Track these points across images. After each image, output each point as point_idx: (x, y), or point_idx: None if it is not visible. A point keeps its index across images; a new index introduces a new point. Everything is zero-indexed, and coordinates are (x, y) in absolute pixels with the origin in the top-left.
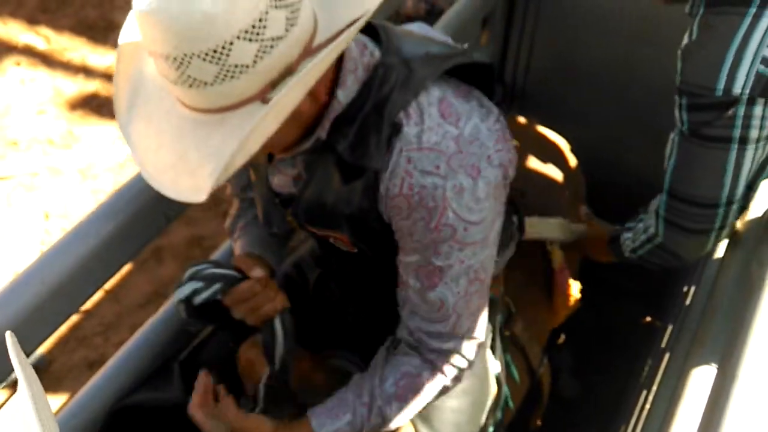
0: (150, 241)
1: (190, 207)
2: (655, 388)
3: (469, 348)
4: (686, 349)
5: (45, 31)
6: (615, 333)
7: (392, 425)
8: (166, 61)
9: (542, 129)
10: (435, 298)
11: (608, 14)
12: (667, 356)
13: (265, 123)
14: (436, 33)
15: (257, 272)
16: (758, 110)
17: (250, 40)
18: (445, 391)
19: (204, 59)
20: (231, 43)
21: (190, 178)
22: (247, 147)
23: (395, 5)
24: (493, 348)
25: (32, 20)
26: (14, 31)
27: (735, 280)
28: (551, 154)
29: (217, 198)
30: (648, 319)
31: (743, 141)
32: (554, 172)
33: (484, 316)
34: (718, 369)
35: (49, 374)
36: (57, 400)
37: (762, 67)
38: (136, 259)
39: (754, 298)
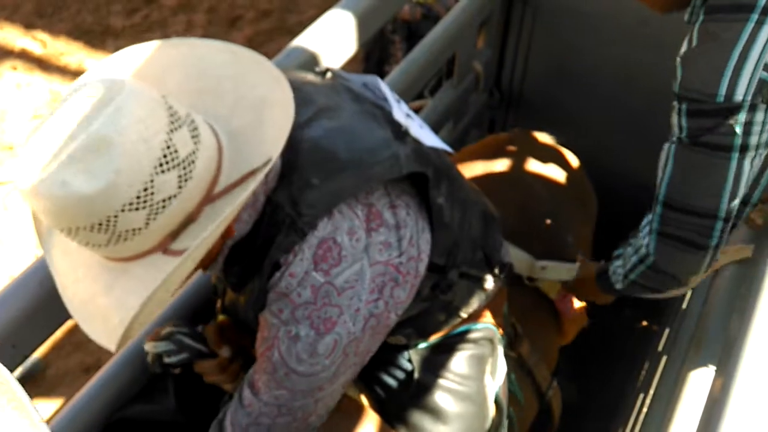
0: None
1: None
2: (652, 391)
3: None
4: (683, 352)
5: (41, 35)
6: (611, 337)
7: None
8: (90, 230)
9: (543, 139)
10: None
11: (605, 20)
12: (664, 359)
13: (173, 276)
14: (387, 98)
15: (224, 352)
16: (759, 116)
17: (137, 208)
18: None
19: (91, 230)
20: (116, 216)
21: (102, 323)
22: (155, 299)
23: (393, 11)
24: (492, 371)
25: (29, 25)
26: (11, 35)
27: (731, 283)
28: (558, 164)
29: None
30: (644, 323)
31: (744, 148)
32: (571, 203)
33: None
34: (715, 371)
35: (44, 379)
36: (52, 405)
37: (764, 74)
38: None
39: (750, 300)
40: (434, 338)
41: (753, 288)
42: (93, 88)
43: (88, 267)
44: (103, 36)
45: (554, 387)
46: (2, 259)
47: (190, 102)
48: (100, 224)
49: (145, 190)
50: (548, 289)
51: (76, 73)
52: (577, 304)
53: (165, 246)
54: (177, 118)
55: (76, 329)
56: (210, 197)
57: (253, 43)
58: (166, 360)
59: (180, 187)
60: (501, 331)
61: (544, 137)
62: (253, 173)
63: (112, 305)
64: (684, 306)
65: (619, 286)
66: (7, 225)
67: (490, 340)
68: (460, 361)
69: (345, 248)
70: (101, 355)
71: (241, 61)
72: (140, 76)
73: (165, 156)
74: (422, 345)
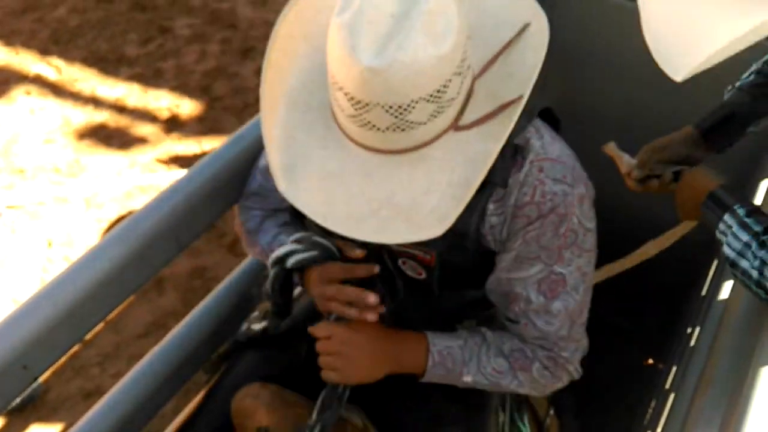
0: (163, 266)
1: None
2: (660, 429)
3: (578, 354)
4: (692, 390)
5: (56, 61)
6: (617, 375)
7: (481, 378)
8: (387, 111)
9: None
10: (558, 308)
11: (611, 59)
12: (671, 397)
13: (492, 148)
14: None
15: (357, 252)
16: None
17: (459, 73)
18: (541, 386)
19: (428, 101)
20: (450, 80)
21: (404, 222)
22: (482, 172)
23: None
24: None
25: (44, 51)
26: (26, 61)
27: (742, 319)
28: None
29: (220, 230)
30: (650, 361)
31: None
32: None
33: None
34: (725, 409)
35: (44, 403)
36: (51, 430)
37: None
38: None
39: (761, 337)
40: None
41: (763, 325)
42: None
43: (366, 175)
44: (117, 64)
45: (551, 416)
46: (8, 282)
47: None
48: (438, 92)
49: (464, 53)
50: None
51: (88, 100)
52: None
53: (455, 125)
54: None
55: (78, 354)
56: (474, 76)
57: None
58: (291, 261)
59: (468, 67)
60: None
61: None
62: (513, 41)
63: (421, 190)
64: (692, 343)
65: (724, 248)
66: (15, 248)
67: None
68: (480, 393)
69: (552, 132)
70: (102, 381)
71: None
72: None
73: (462, 22)
74: None
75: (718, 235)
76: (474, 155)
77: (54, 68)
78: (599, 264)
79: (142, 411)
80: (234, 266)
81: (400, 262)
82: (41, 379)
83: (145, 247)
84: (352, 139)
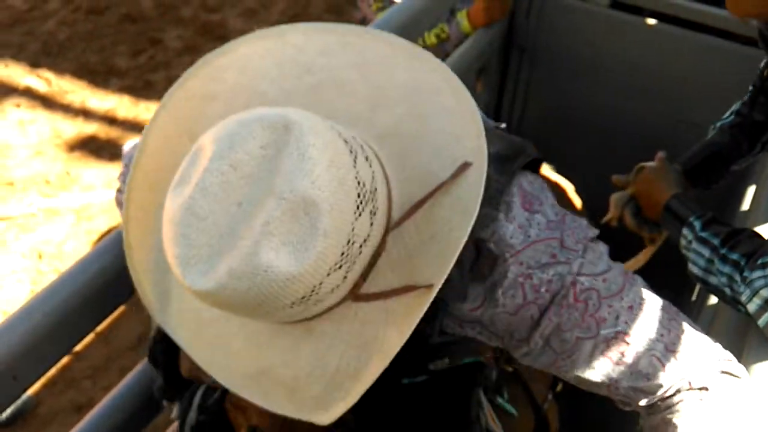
0: None
1: None
2: None
3: (711, 368)
4: None
5: (46, 74)
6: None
7: None
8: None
9: (546, 172)
10: (645, 364)
11: (598, 67)
12: None
13: (393, 339)
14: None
15: None
16: None
17: (340, 266)
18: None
19: (291, 306)
20: (321, 284)
21: (286, 397)
22: (378, 366)
23: None
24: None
25: (34, 63)
26: (16, 73)
27: (729, 325)
28: (557, 197)
29: None
30: None
31: None
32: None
33: (694, 332)
34: None
35: (35, 417)
36: None
37: None
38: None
39: (748, 341)
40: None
41: (751, 332)
42: (250, 135)
43: (246, 339)
44: (107, 76)
45: (550, 401)
46: None
47: (310, 102)
48: (303, 297)
49: (348, 242)
50: None
51: (78, 112)
52: None
53: (355, 293)
54: (346, 141)
55: (69, 366)
56: (390, 225)
57: None
58: None
59: (371, 224)
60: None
61: (546, 170)
62: (442, 186)
63: (304, 372)
64: None
65: (690, 267)
66: (4, 260)
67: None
68: (463, 402)
69: (531, 192)
70: (94, 393)
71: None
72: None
73: (359, 195)
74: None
75: (683, 250)
76: (370, 340)
77: (44, 80)
78: None
79: (134, 423)
80: None
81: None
82: (32, 392)
83: None
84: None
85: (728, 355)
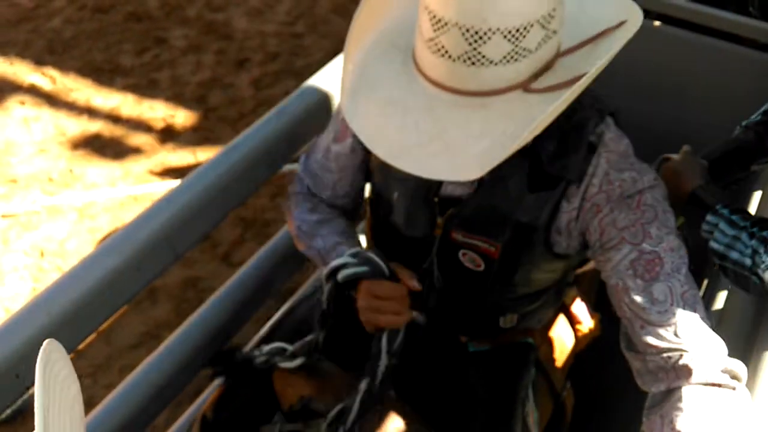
0: (158, 276)
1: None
2: None
3: (718, 357)
4: None
5: (51, 71)
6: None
7: None
8: (463, 35)
9: None
10: (661, 290)
11: (608, 74)
12: None
13: (550, 111)
14: None
15: (414, 283)
16: None
17: (543, 26)
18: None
19: (504, 36)
20: (531, 26)
21: (446, 161)
22: (515, 146)
23: None
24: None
25: (39, 61)
26: (21, 71)
27: (735, 330)
28: None
29: (214, 240)
30: None
31: None
32: None
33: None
34: None
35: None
36: None
37: None
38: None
39: (755, 347)
40: (488, 345)
41: (758, 338)
42: None
43: (427, 109)
44: (111, 74)
45: (567, 388)
46: (0, 292)
47: None
48: (517, 30)
49: (553, 10)
50: (569, 297)
51: (83, 110)
52: (587, 320)
53: (528, 84)
54: None
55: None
56: (559, 52)
57: (260, 84)
58: (342, 274)
59: (559, 25)
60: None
61: None
62: (605, 32)
63: (475, 136)
64: None
65: (711, 243)
66: (7, 258)
67: (532, 358)
68: (513, 383)
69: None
70: (95, 392)
71: None
72: None
73: (554, 10)
74: (479, 348)
75: (703, 234)
76: (536, 114)
77: (48, 78)
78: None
79: (134, 422)
80: (228, 277)
81: (460, 253)
82: (32, 391)
83: (140, 256)
84: (424, 75)
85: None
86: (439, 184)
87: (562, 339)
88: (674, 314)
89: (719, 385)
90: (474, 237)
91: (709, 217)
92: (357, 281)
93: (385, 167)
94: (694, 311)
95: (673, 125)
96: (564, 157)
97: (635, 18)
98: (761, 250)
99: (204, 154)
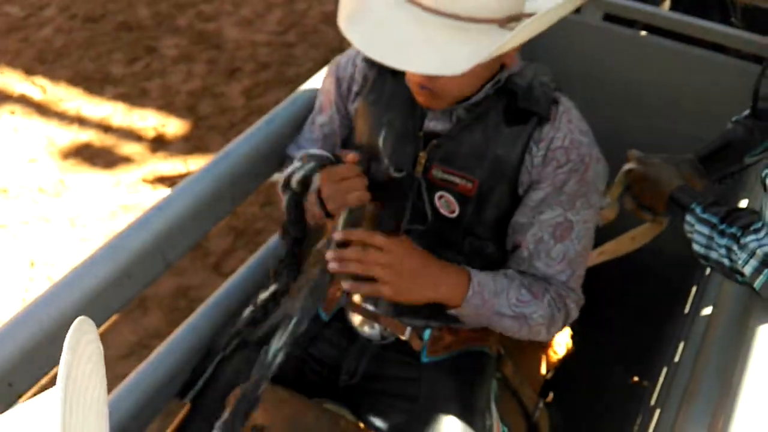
0: (149, 285)
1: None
2: None
3: (577, 304)
4: (677, 406)
5: (41, 81)
6: (603, 392)
7: (507, 310)
8: None
9: None
10: (560, 251)
11: (591, 80)
12: (657, 413)
13: (513, 40)
14: None
15: (351, 156)
16: None
17: None
18: (553, 322)
19: None
20: None
21: (436, 56)
22: (494, 51)
23: None
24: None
25: (29, 71)
26: (11, 80)
27: (725, 334)
28: None
29: (204, 249)
30: (635, 378)
31: None
32: None
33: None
34: (710, 423)
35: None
36: None
37: None
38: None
39: (743, 353)
40: (445, 353)
41: (746, 340)
42: None
43: (417, 21)
44: (102, 83)
45: (541, 408)
46: None
47: None
48: None
49: None
50: None
51: (73, 119)
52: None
53: (502, 23)
54: None
55: None
56: (523, 14)
57: (252, 93)
58: (294, 179)
59: None
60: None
61: None
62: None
63: (472, 44)
64: (677, 359)
65: (693, 246)
66: None
67: (491, 368)
68: (470, 393)
69: None
70: None
71: None
72: None
73: None
74: (433, 359)
75: (687, 234)
76: (511, 35)
77: (39, 88)
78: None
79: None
80: (218, 285)
81: (436, 197)
82: (23, 400)
83: (131, 265)
84: (415, 2)
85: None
86: (422, 120)
87: (531, 355)
88: (555, 270)
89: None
90: (453, 172)
91: (687, 218)
92: (308, 181)
93: (373, 112)
94: (573, 272)
95: (655, 132)
96: (532, 96)
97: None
98: (734, 247)
99: (195, 163)
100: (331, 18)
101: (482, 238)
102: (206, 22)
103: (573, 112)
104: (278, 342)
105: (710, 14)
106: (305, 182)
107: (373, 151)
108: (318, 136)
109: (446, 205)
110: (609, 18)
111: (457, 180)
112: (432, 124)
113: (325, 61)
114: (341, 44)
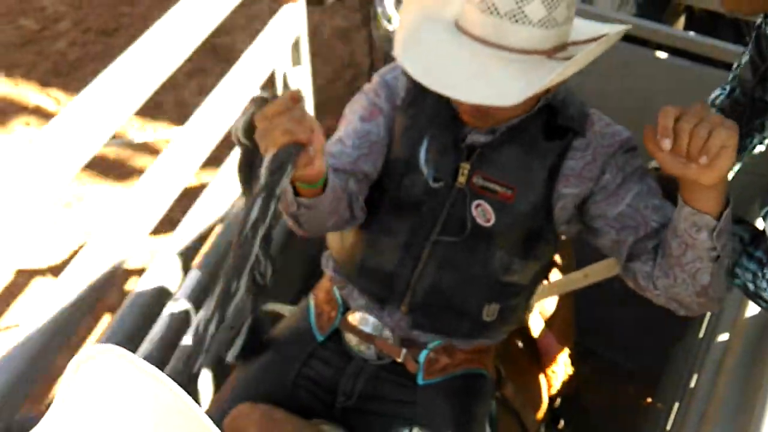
0: None
1: None
2: None
3: None
4: (694, 431)
5: (56, 93)
6: (616, 414)
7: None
8: None
9: None
10: (662, 204)
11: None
12: None
13: (564, 73)
14: None
15: (291, 92)
16: None
17: (567, 7)
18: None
19: (542, 2)
20: (561, 1)
21: (490, 89)
22: (546, 83)
23: None
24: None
25: (44, 83)
26: (26, 92)
27: (741, 360)
28: None
29: None
30: (648, 400)
31: None
32: None
33: None
34: None
35: None
36: None
37: None
38: None
39: (762, 381)
40: (440, 375)
41: (766, 370)
42: None
43: (472, 54)
44: None
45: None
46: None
47: None
48: (553, 0)
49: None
50: (531, 327)
51: None
52: (561, 354)
53: (549, 54)
54: None
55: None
56: (567, 42)
57: None
58: (239, 128)
59: (572, 17)
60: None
61: None
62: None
63: (512, 77)
64: (692, 384)
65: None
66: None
67: (488, 390)
68: (467, 415)
69: None
70: None
71: None
72: None
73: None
74: (429, 381)
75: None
76: (558, 67)
77: (53, 100)
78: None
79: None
80: None
81: (473, 206)
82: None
83: None
84: (468, 33)
85: None
86: (465, 133)
87: (531, 377)
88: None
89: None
90: (494, 180)
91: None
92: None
93: (414, 125)
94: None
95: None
96: (569, 112)
97: (622, 29)
98: (759, 272)
99: (207, 177)
100: (342, 33)
101: (511, 254)
102: (218, 36)
103: (603, 119)
104: (206, 310)
105: (724, 34)
106: (249, 128)
107: (411, 162)
108: (358, 144)
109: (483, 213)
110: (623, 37)
111: (498, 188)
112: (474, 137)
113: (336, 75)
114: (351, 59)
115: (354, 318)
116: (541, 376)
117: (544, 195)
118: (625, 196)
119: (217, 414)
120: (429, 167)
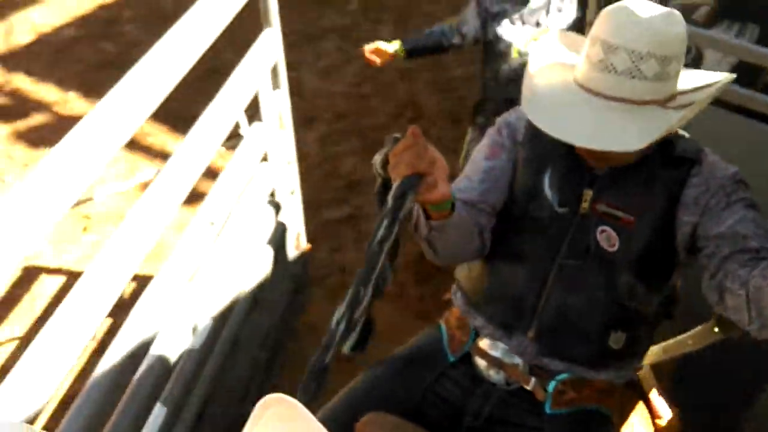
0: None
1: None
2: None
3: None
4: None
5: None
6: None
7: None
8: (629, 55)
9: None
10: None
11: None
12: None
13: (680, 122)
14: None
15: (412, 128)
16: None
17: (677, 62)
18: None
19: (656, 60)
20: (674, 58)
21: (612, 136)
22: (663, 131)
23: None
24: None
25: None
26: None
27: None
28: None
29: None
30: None
31: None
32: None
33: None
34: None
35: None
36: None
37: None
38: None
39: None
40: (567, 408)
41: None
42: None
43: (592, 109)
44: (186, 122)
45: None
46: None
47: None
48: (666, 57)
49: (683, 55)
50: (647, 384)
51: (157, 153)
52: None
53: (663, 103)
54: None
55: None
56: (676, 92)
57: (326, 141)
58: (376, 166)
59: (680, 70)
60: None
61: None
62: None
63: (630, 123)
64: None
65: None
66: None
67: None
68: None
69: None
70: None
71: None
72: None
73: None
74: (556, 411)
75: None
76: (671, 116)
77: None
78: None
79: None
80: None
81: (598, 231)
82: None
83: None
84: (587, 89)
85: None
86: (588, 165)
87: (641, 427)
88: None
89: None
90: (617, 207)
91: None
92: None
93: (536, 156)
94: None
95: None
96: (684, 145)
97: (728, 78)
98: None
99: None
100: (404, 74)
101: (633, 278)
102: (287, 71)
103: (715, 154)
104: (338, 312)
105: (755, 84)
106: (384, 163)
107: (536, 188)
108: (484, 178)
109: (607, 239)
110: (716, 102)
111: (620, 214)
112: (596, 170)
113: (397, 114)
114: (412, 98)
115: (484, 343)
116: (650, 428)
117: (664, 221)
118: (727, 219)
119: (348, 412)
120: (553, 192)
